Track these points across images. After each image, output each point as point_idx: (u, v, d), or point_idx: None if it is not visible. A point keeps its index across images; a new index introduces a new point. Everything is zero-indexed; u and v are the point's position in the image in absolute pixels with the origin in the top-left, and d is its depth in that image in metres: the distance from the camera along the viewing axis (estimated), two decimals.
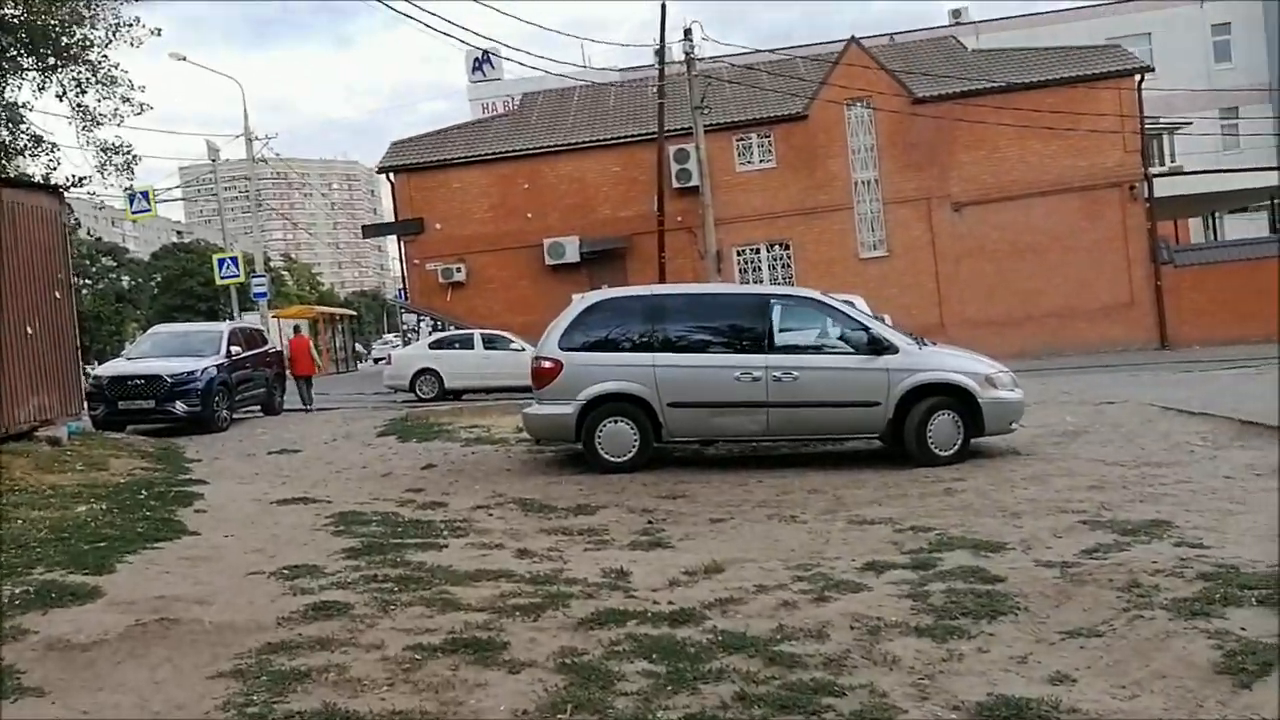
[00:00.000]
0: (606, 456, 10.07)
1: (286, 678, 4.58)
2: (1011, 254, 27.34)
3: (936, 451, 9.90)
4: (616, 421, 10.06)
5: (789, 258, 28.24)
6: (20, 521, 7.89)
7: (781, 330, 10.17)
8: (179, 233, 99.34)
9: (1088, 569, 6.08)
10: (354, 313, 56.16)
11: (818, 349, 10.30)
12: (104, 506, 8.73)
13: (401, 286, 34.22)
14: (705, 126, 25.62)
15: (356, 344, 54.94)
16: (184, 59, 33.35)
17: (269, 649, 4.99)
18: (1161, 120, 34.90)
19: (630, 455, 10.07)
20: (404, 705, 4.27)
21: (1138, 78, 27.58)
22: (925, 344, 10.55)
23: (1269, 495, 7.93)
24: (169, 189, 41.22)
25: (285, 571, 6.52)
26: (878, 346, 10.05)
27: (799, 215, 27.83)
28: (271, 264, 59.84)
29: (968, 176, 27.65)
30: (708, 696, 4.34)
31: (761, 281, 27.63)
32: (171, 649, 5.06)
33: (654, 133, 26.72)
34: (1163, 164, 35.64)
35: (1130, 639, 4.94)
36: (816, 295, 10.62)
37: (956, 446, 9.98)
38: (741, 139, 28.25)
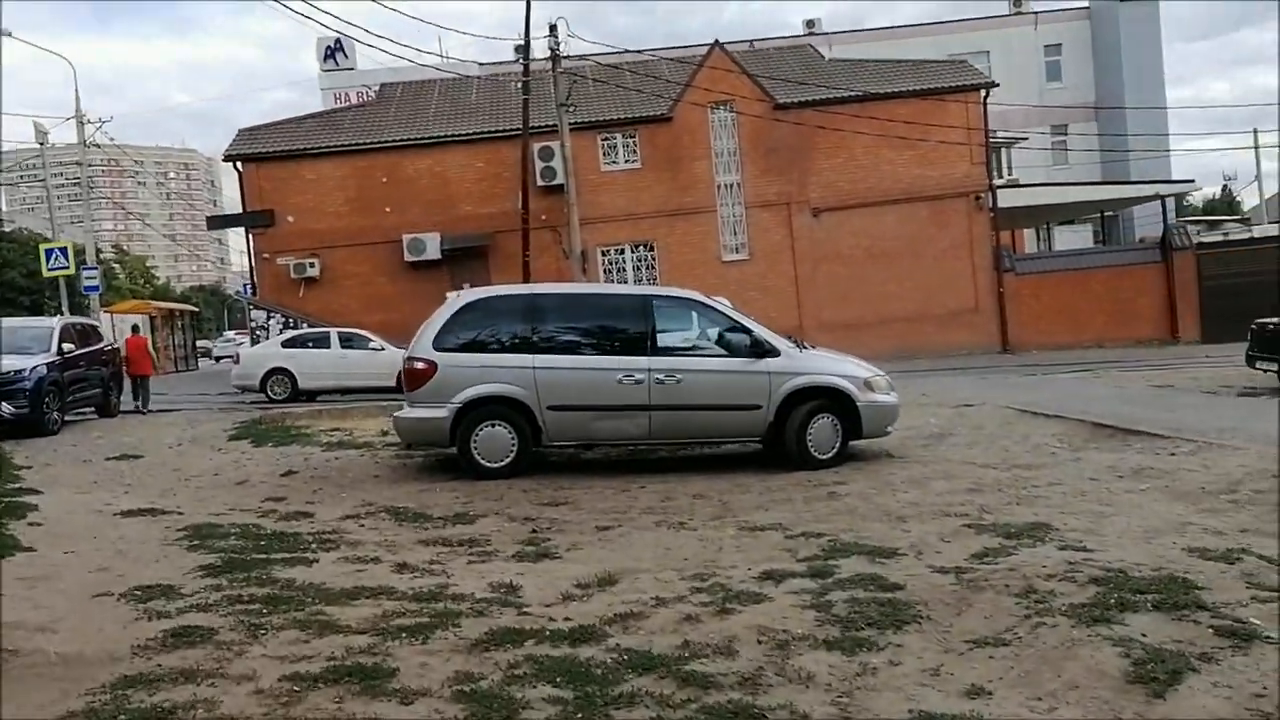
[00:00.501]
0: (483, 462, 9.66)
1: (148, 717, 4.08)
2: (866, 259, 28.09)
3: (816, 455, 9.91)
4: (494, 425, 9.66)
5: (653, 259, 28.24)
6: None
7: (662, 331, 9.99)
8: None
9: (982, 574, 6.09)
10: (195, 309, 53.28)
11: (700, 351, 10.16)
12: None
13: (249, 282, 32.61)
14: (570, 125, 25.35)
15: (199, 341, 52.15)
16: (10, 35, 30.88)
17: (125, 683, 4.45)
18: (1000, 134, 36.63)
19: (508, 460, 9.70)
20: None
21: (983, 93, 28.78)
22: (805, 347, 10.56)
23: (1134, 497, 8.23)
24: None
25: (137, 592, 5.92)
26: (759, 349, 9.99)
27: (663, 216, 27.86)
28: (102, 256, 56.04)
29: (826, 183, 28.26)
30: None
31: (626, 282, 27.52)
32: (11, 685, 4.46)
33: (518, 129, 26.27)
34: (1000, 176, 37.44)
35: (1037, 648, 4.92)
36: (698, 296, 10.48)
37: (835, 449, 10.01)
38: (606, 138, 28.08)
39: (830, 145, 27.84)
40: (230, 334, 69.62)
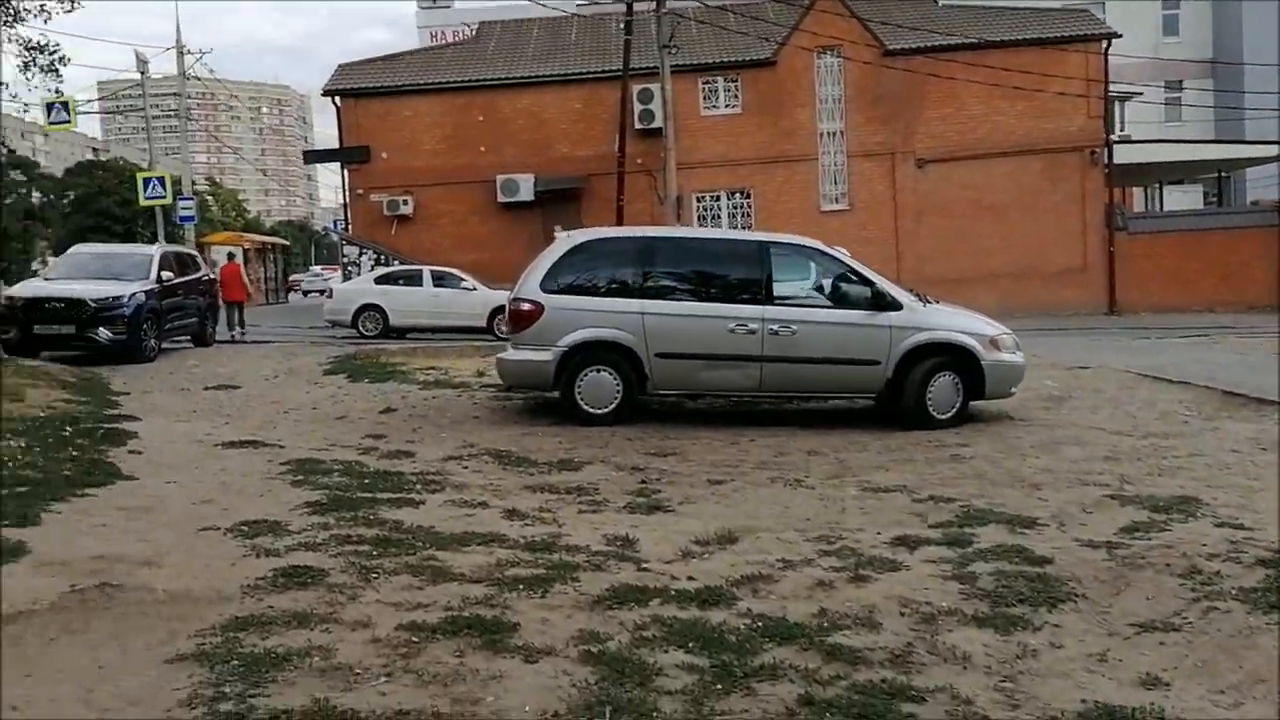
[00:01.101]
0: (587, 408, 9.32)
1: (262, 663, 3.82)
2: (971, 213, 27.01)
3: (935, 414, 9.36)
4: (599, 371, 9.31)
5: (749, 206, 27.55)
6: None
7: (778, 280, 9.48)
8: (95, 150, 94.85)
9: (1137, 551, 5.58)
10: (285, 242, 54.13)
11: (816, 302, 9.64)
12: (22, 444, 7.75)
13: (341, 218, 32.79)
14: (671, 67, 24.60)
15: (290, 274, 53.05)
16: None
17: (236, 625, 4.21)
18: (1115, 88, 34.82)
19: (612, 407, 9.34)
20: (410, 702, 3.55)
21: (1105, 43, 27.27)
22: (928, 301, 9.96)
23: None
24: (88, 101, 38.79)
25: (243, 528, 5.71)
26: (880, 302, 9.43)
27: (762, 164, 27.09)
28: (196, 188, 57.12)
29: (934, 133, 27.17)
30: (767, 699, 3.70)
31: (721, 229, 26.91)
32: (117, 623, 4.25)
33: (617, 70, 25.68)
34: (1114, 132, 35.66)
35: (1212, 635, 4.44)
36: (817, 245, 9.92)
37: (955, 409, 9.45)
38: (708, 82, 27.33)
39: (940, 94, 26.70)
40: (317, 269, 70.69)
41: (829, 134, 27.62)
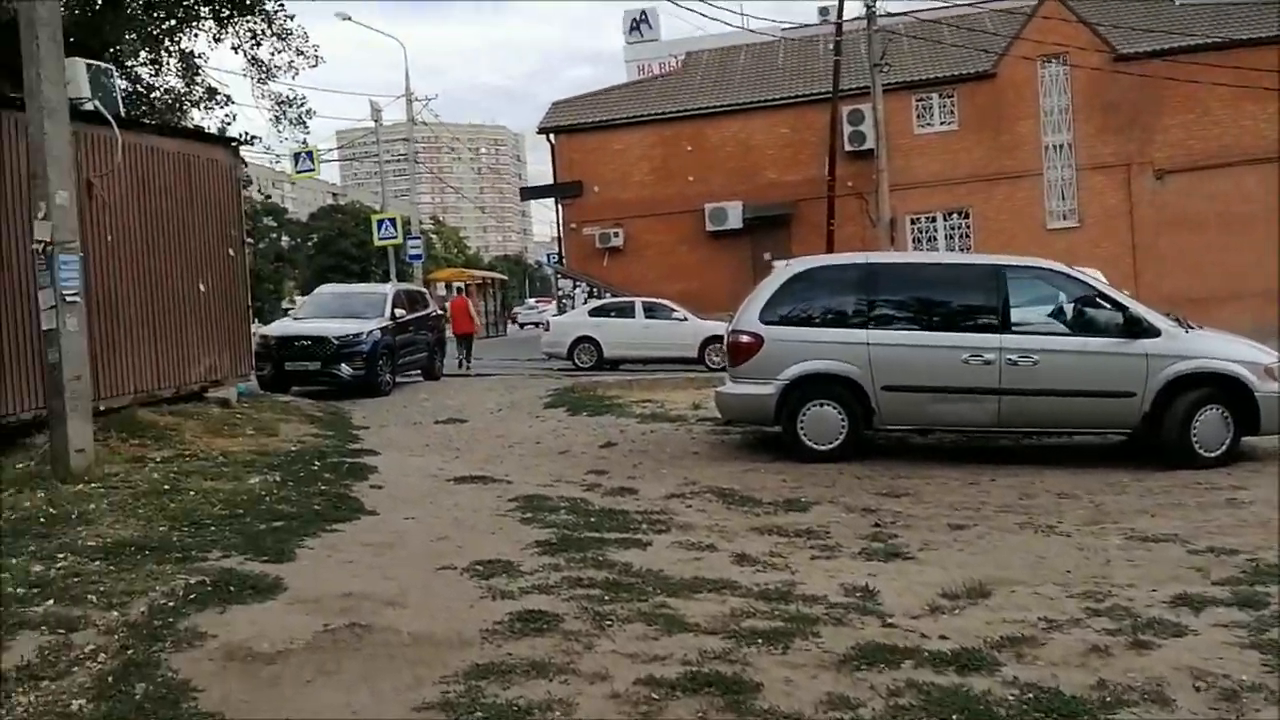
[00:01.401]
0: (810, 443, 9.01)
1: (505, 716, 3.75)
2: (1219, 226, 24.80)
3: (1201, 452, 8.48)
4: (822, 405, 8.98)
5: (968, 227, 26.43)
6: (193, 494, 7.38)
7: (1016, 306, 8.87)
8: (334, 195, 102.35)
9: None
10: (504, 277, 56.42)
11: (1061, 329, 8.95)
12: (277, 478, 8.20)
13: (556, 251, 33.80)
14: (883, 85, 24.00)
15: (510, 307, 55.20)
16: (349, 18, 33.50)
17: (477, 672, 4.17)
18: None
19: (837, 443, 8.99)
20: None
21: None
22: (1190, 327, 9.07)
23: None
24: (329, 150, 41.78)
25: (478, 567, 5.75)
26: (1135, 328, 8.65)
27: (981, 181, 25.95)
28: (422, 227, 60.70)
29: (1173, 141, 25.21)
30: None
31: (937, 252, 25.91)
32: (367, 665, 4.30)
33: (825, 93, 25.28)
34: None
35: None
36: (1059, 267, 9.25)
37: (1224, 447, 8.53)
38: (922, 99, 26.51)
39: (1180, 99, 24.76)
40: (532, 301, 73.32)
41: (1055, 147, 26.14)
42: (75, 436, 7.67)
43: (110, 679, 4.02)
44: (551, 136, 28.37)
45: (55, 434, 7.69)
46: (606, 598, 5.23)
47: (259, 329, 20.69)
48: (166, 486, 7.53)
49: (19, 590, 5.03)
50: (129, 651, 4.30)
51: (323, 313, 17.06)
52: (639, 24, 45.01)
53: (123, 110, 11.02)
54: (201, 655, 4.32)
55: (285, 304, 54.19)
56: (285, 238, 69.35)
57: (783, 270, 9.37)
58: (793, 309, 9.16)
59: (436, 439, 11.36)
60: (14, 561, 5.51)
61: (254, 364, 13.86)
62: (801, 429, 9.02)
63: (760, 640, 4.59)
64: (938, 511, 7.33)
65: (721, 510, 7.51)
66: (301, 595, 5.16)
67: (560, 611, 4.98)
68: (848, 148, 25.74)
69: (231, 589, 5.11)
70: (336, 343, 15.45)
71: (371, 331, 15.91)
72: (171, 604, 4.88)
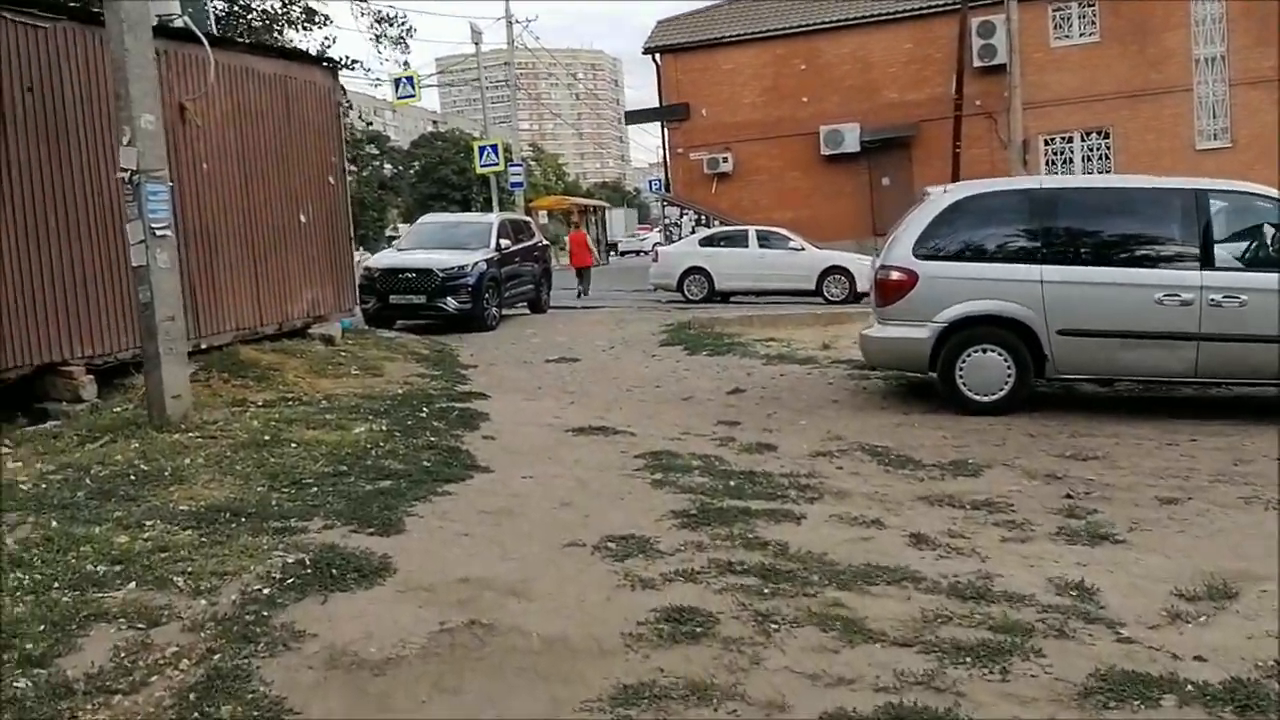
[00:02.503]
0: (970, 394, 7.98)
1: None
2: None
3: None
4: (985, 350, 7.93)
5: (1107, 148, 24.44)
6: (295, 445, 6.77)
7: (1221, 240, 7.63)
8: (435, 122, 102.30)
9: None
10: (606, 204, 55.51)
11: (1273, 266, 7.67)
12: (384, 427, 7.56)
13: (659, 178, 32.71)
14: None
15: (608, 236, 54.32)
16: None
17: (625, 697, 3.41)
18: None
19: (1001, 394, 7.94)
20: None
21: None
22: None
23: None
24: (429, 75, 41.07)
25: (610, 545, 4.98)
26: None
27: (1123, 98, 23.87)
28: (522, 154, 59.93)
29: None
30: None
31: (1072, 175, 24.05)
32: (492, 680, 3.57)
33: (953, 3, 23.47)
34: None
35: None
36: (1271, 192, 7.91)
37: None
38: (1059, 9, 24.40)
39: None
40: (641, 227, 72.31)
41: (1206, 60, 23.85)
42: (171, 382, 7.13)
43: (192, 696, 3.36)
44: (657, 57, 27.10)
45: (150, 379, 7.15)
46: (766, 590, 4.40)
47: (364, 259, 20.32)
48: (267, 437, 6.94)
49: (100, 569, 4.43)
50: (216, 656, 3.64)
51: (427, 243, 16.47)
52: None
53: (215, 28, 10.34)
54: (299, 662, 3.65)
55: (389, 232, 54.40)
56: (388, 165, 69.37)
57: (939, 197, 8.24)
58: (951, 242, 8.05)
59: (549, 380, 10.65)
60: (97, 531, 4.93)
61: (358, 297, 13.33)
62: (961, 378, 7.98)
63: (968, 659, 3.71)
64: (1138, 480, 6.28)
65: (878, 473, 6.59)
66: (413, 580, 4.46)
67: (714, 609, 4.17)
68: (976, 63, 23.93)
69: (334, 571, 4.43)
70: (441, 275, 14.83)
71: (477, 263, 15.24)
72: (266, 591, 4.22)
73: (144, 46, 6.90)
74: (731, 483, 6.26)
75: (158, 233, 7.05)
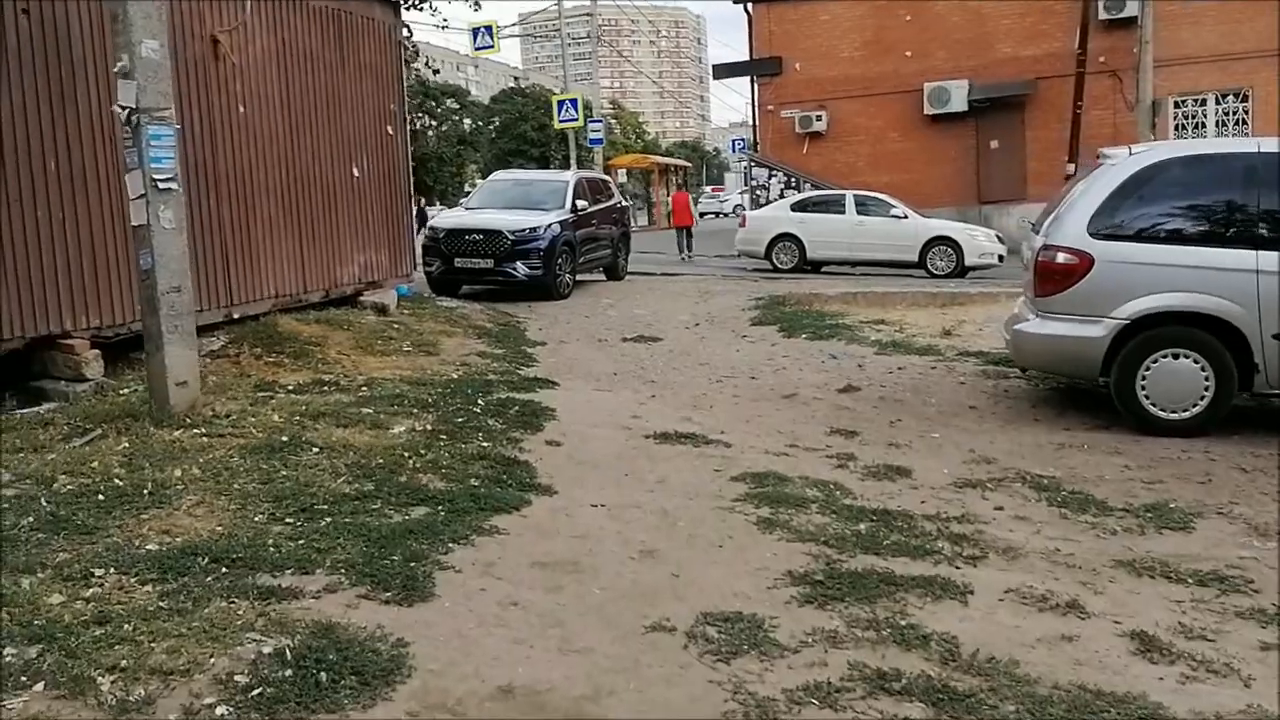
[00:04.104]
0: (1153, 409, 6.39)
1: None
2: None
3: None
4: (1177, 356, 6.31)
5: (1245, 112, 22.02)
6: (316, 451, 5.51)
7: None
8: (515, 79, 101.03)
9: None
10: (687, 164, 53.73)
11: None
12: (428, 426, 6.28)
13: (745, 138, 30.95)
14: None
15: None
16: None
17: None
18: None
19: (1195, 411, 6.33)
20: None
21: None
22: None
23: None
24: (509, 25, 39.65)
25: (710, 631, 3.63)
26: None
27: (1265, 56, 21.32)
28: (601, 111, 58.28)
29: None
30: None
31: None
32: None
33: None
34: None
35: None
36: None
37: None
38: None
39: None
40: (707, 189, 70.23)
41: None
42: (175, 366, 5.92)
43: None
44: (748, 6, 25.23)
45: (151, 363, 5.96)
46: None
47: (437, 215, 19.13)
48: (285, 437, 5.70)
49: (7, 654, 3.19)
50: None
51: (498, 202, 15.14)
52: None
53: None
54: None
55: (467, 187, 53.45)
56: (467, 120, 68.31)
57: (1122, 162, 6.56)
58: (1138, 218, 6.41)
59: (626, 364, 9.27)
60: (26, 584, 3.71)
61: (418, 261, 12.09)
62: (1143, 388, 6.38)
63: None
64: None
65: (1052, 518, 5.09)
66: (434, 690, 3.15)
67: None
68: (1102, 16, 21.67)
69: (323, 675, 3.13)
70: (511, 238, 13.51)
71: (550, 225, 13.88)
72: (220, 712, 2.92)
73: None
74: (862, 527, 4.83)
75: (161, 185, 5.81)
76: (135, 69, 5.62)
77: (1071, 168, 20.29)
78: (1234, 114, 22.23)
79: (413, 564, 4.07)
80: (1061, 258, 6.49)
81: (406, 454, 5.61)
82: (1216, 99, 22.27)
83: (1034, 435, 6.55)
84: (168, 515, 4.48)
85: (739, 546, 4.57)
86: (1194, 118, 22.49)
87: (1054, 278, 6.53)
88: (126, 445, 5.48)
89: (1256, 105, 21.96)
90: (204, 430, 5.78)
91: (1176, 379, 6.32)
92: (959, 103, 23.22)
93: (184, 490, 4.80)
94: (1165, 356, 6.35)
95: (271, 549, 4.14)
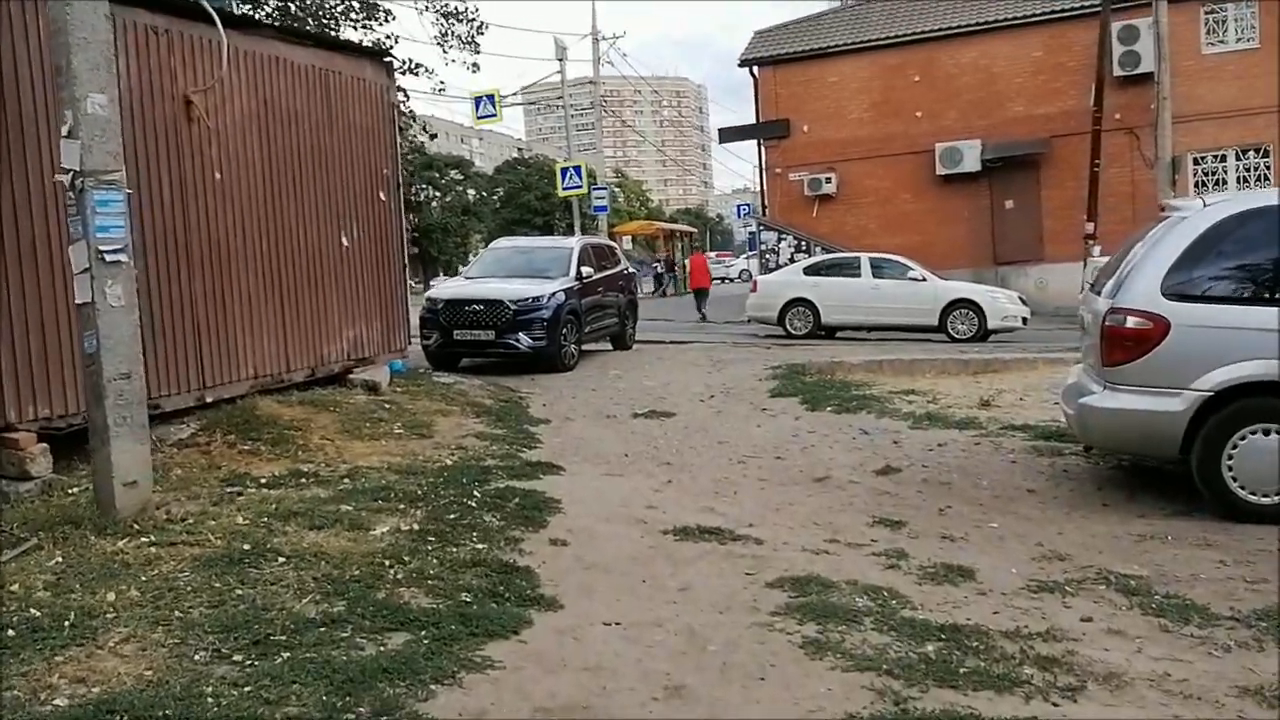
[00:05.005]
0: (1243, 494, 5.57)
1: None
2: None
3: None
4: (1268, 432, 5.52)
5: (1267, 168, 21.49)
6: (281, 562, 4.72)
7: None
8: (519, 149, 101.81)
9: None
10: (693, 230, 53.46)
11: None
12: (416, 525, 5.50)
13: (759, 200, 30.56)
14: None
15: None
16: None
17: None
18: None
19: None
20: None
21: None
22: None
23: None
24: (511, 94, 39.56)
25: None
26: None
27: None
28: (606, 179, 58.28)
29: None
30: None
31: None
32: None
33: (1088, 6, 20.97)
34: None
35: None
36: None
37: None
38: (1212, 11, 21.57)
39: None
40: (712, 254, 70.02)
41: None
42: (123, 463, 5.16)
43: None
44: (754, 69, 24.91)
45: (96, 459, 5.20)
46: None
47: (438, 285, 18.49)
48: (247, 546, 4.91)
49: None
50: None
51: (499, 270, 14.50)
52: None
53: (236, 4, 8.50)
54: None
55: (471, 257, 53.25)
56: (471, 191, 68.43)
57: (1196, 215, 5.82)
58: (1219, 276, 5.66)
59: (638, 443, 8.49)
60: None
61: (413, 334, 11.38)
62: (1229, 469, 5.58)
63: None
64: None
65: (1149, 629, 4.27)
66: None
67: None
68: (1116, 72, 21.25)
69: None
70: (513, 308, 12.82)
71: (554, 294, 13.21)
72: None
73: (93, 1, 4.98)
74: (930, 649, 4.01)
75: (108, 258, 5.11)
76: (80, 126, 4.96)
77: (1090, 226, 19.72)
78: (1255, 170, 21.70)
79: (383, 718, 3.26)
80: (1132, 322, 5.73)
81: (388, 562, 4.83)
82: (1237, 154, 21.76)
83: (1107, 524, 5.73)
84: (88, 656, 3.68)
85: (785, 679, 3.75)
86: (1214, 174, 21.95)
87: (1124, 345, 5.76)
88: (59, 560, 4.70)
89: (1278, 160, 21.43)
90: (153, 538, 5.00)
91: (1267, 458, 5.51)
92: (972, 163, 22.76)
93: (114, 620, 4.01)
94: (1255, 433, 5.55)
95: (210, 700, 3.34)
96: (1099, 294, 6.24)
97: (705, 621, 4.35)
